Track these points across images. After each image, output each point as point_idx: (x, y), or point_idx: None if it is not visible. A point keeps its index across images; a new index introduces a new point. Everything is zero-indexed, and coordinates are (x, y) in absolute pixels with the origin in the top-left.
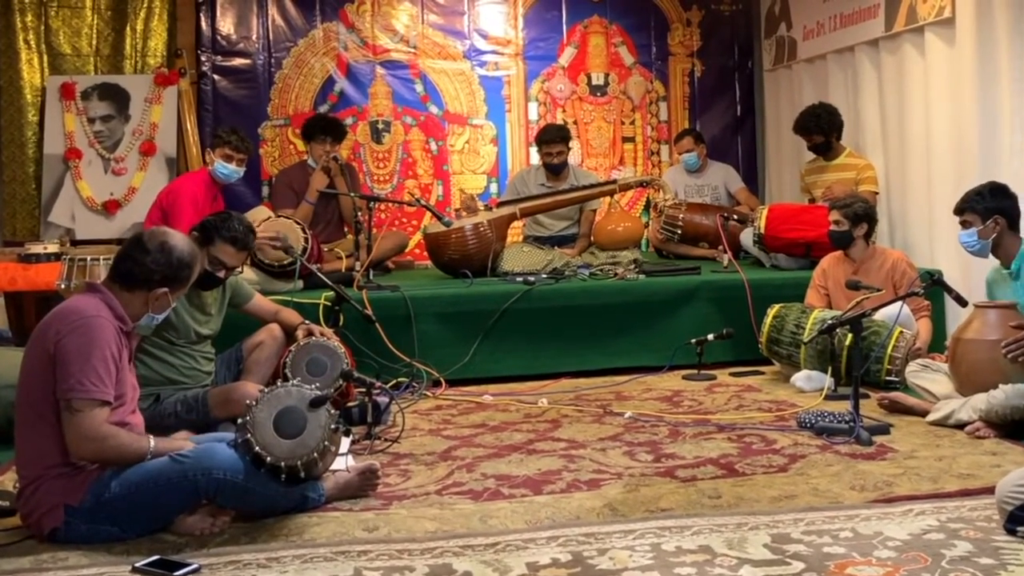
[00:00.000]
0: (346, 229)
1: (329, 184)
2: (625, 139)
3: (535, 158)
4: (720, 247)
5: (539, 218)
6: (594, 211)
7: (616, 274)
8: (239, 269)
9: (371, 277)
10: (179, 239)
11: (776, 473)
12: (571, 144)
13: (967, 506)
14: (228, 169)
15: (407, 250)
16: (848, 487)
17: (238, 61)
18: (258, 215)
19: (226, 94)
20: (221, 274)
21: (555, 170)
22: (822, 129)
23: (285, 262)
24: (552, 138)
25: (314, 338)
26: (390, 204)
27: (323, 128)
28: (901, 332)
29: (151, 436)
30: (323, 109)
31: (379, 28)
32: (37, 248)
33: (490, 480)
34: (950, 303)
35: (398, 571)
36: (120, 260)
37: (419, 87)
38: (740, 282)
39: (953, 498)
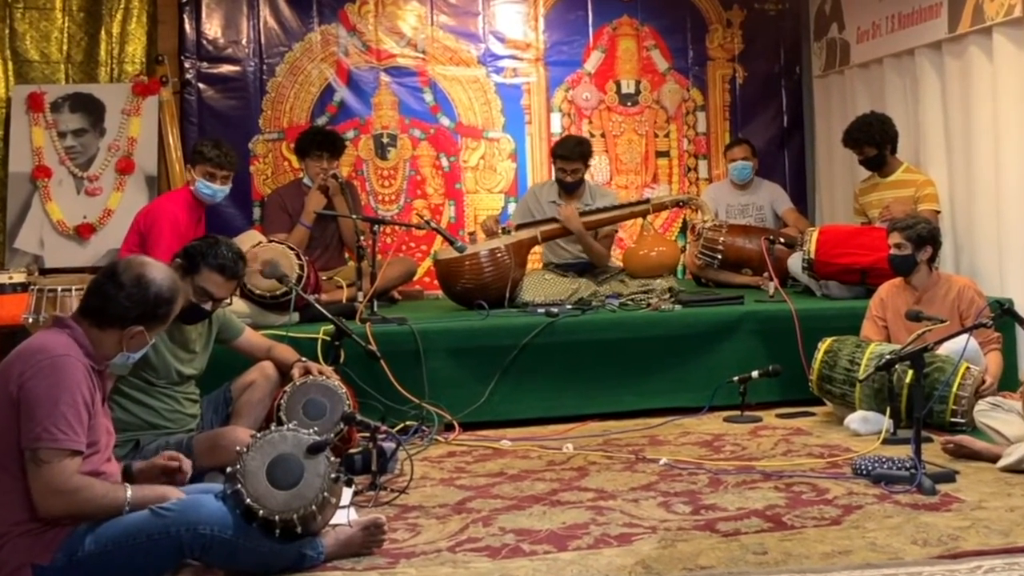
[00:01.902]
0: (347, 255)
1: (327, 205)
2: (659, 153)
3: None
4: (765, 274)
5: (559, 242)
6: (613, 234)
7: (649, 304)
8: (228, 301)
9: (375, 309)
10: (158, 271)
11: (829, 526)
12: (591, 162)
13: None
14: (211, 188)
15: (415, 278)
16: (909, 541)
17: (226, 68)
18: (248, 240)
19: (213, 105)
20: (208, 306)
21: (568, 188)
22: (874, 141)
23: (279, 292)
24: (569, 154)
25: (312, 377)
26: (396, 227)
27: (321, 143)
28: (968, 368)
29: (128, 485)
30: (321, 121)
31: (384, 31)
32: (1, 278)
33: (509, 535)
34: (1022, 335)
35: None
36: (91, 294)
37: (428, 96)
38: (788, 313)
39: None
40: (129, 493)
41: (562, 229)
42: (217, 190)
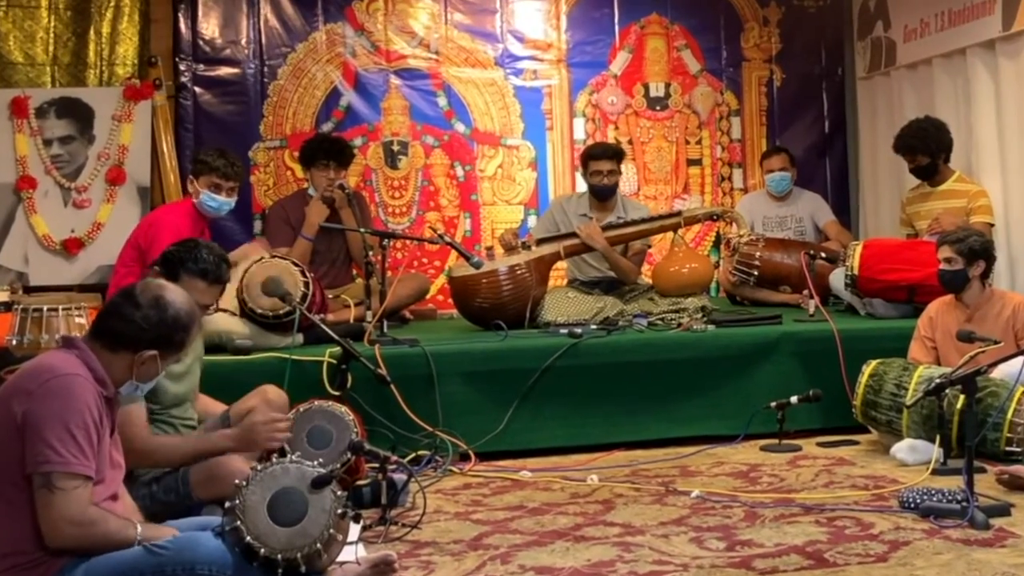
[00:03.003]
0: (355, 272)
1: (334, 218)
2: (690, 162)
3: (582, 185)
4: (805, 291)
5: (585, 257)
6: (645, 250)
7: (680, 324)
8: (213, 307)
9: (385, 329)
10: (178, 295)
11: (874, 563)
12: (623, 166)
13: None
14: (217, 201)
15: (428, 297)
16: None
17: (224, 70)
18: (249, 254)
19: (210, 110)
20: None
21: (602, 194)
22: (928, 148)
23: (281, 312)
24: (600, 153)
25: (317, 403)
26: (408, 241)
27: (327, 151)
28: None
29: (138, 523)
30: (327, 128)
31: (394, 30)
32: None
33: (529, 573)
34: None
35: None
36: (105, 315)
37: (442, 100)
38: (829, 333)
39: None
40: (140, 530)
41: (585, 245)
42: (223, 203)
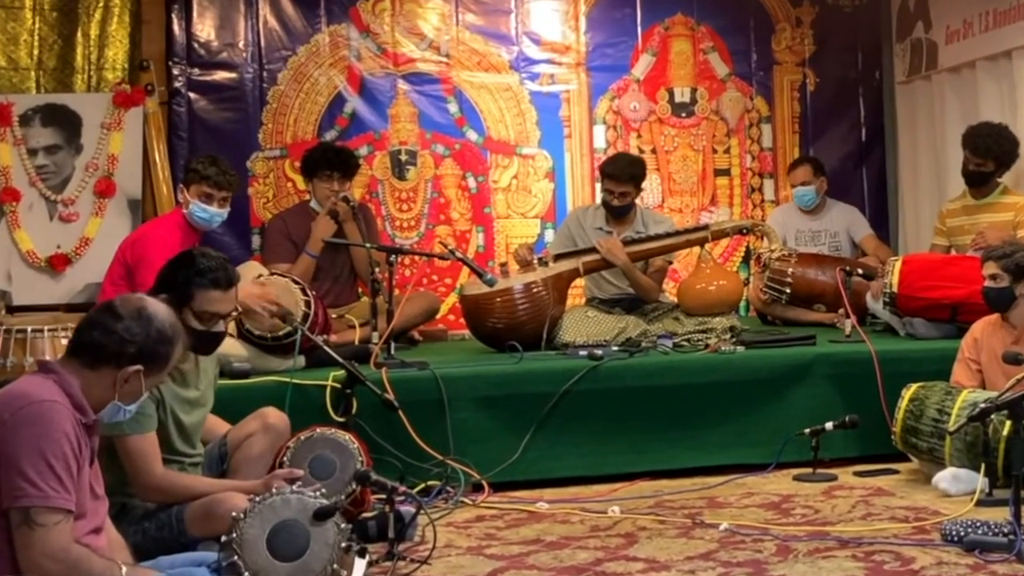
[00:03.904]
0: (360, 290)
1: (337, 232)
2: (718, 172)
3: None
4: (841, 310)
5: (605, 274)
6: (666, 266)
7: (707, 346)
8: (237, 309)
9: (392, 351)
10: (160, 308)
11: None
12: (644, 185)
13: None
14: (207, 212)
15: (439, 316)
16: None
17: (221, 75)
18: (247, 272)
19: (205, 117)
20: (220, 327)
21: (617, 213)
22: (998, 156)
23: (282, 333)
24: (618, 173)
25: (319, 430)
26: (416, 257)
27: (331, 160)
28: None
29: (124, 564)
30: (330, 136)
31: (401, 32)
32: None
33: None
34: None
35: None
36: (83, 329)
37: (453, 107)
38: (867, 355)
39: None
40: (124, 572)
41: (606, 260)
42: (214, 214)
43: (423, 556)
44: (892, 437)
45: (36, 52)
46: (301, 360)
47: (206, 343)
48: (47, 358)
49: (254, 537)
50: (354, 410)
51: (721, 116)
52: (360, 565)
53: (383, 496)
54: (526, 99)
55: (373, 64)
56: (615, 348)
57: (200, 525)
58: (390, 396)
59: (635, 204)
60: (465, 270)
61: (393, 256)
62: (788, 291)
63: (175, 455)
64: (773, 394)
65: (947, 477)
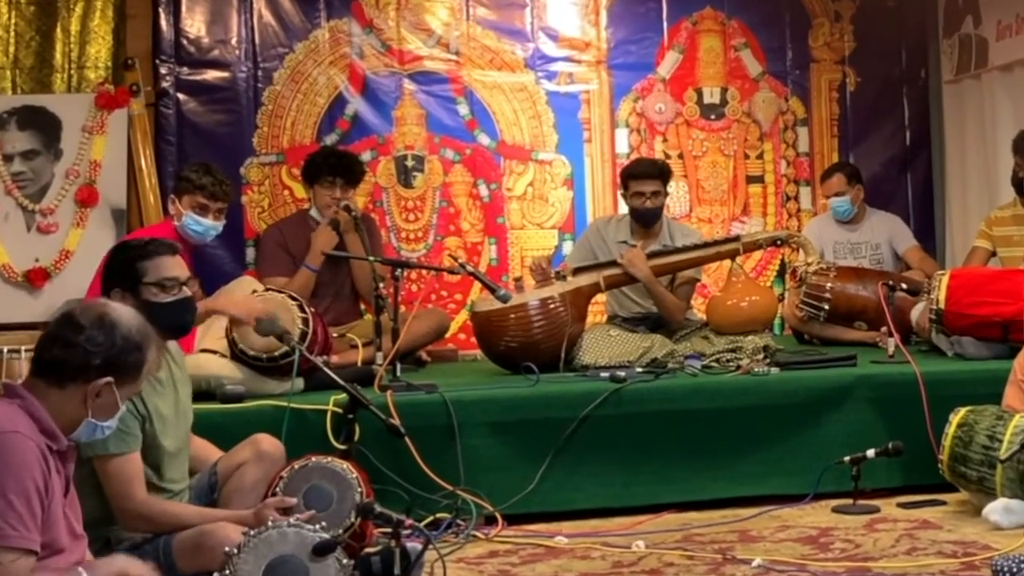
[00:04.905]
0: (363, 307)
1: (338, 244)
2: (751, 179)
3: (623, 206)
4: (884, 328)
5: (626, 290)
6: (693, 281)
7: (739, 367)
8: (188, 275)
9: (398, 373)
10: (124, 312)
11: None
12: (670, 186)
13: None
14: (203, 225)
15: (448, 335)
16: None
17: (212, 74)
18: (241, 288)
19: (196, 120)
20: (184, 292)
21: (645, 219)
22: None
23: (278, 353)
24: (643, 171)
25: (315, 459)
26: (424, 271)
27: (334, 166)
28: None
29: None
30: (330, 140)
31: (407, 27)
32: None
33: None
34: None
35: None
36: (43, 346)
37: (463, 108)
38: (912, 377)
39: None
40: (82, 573)
41: (628, 274)
42: (209, 227)
43: None
44: (939, 466)
45: (12, 49)
46: (299, 383)
47: (179, 314)
48: (15, 381)
49: (248, 574)
50: (357, 437)
51: (754, 118)
52: None
53: (388, 530)
54: (542, 100)
55: (377, 62)
56: (639, 370)
57: (189, 559)
58: (396, 422)
59: (663, 214)
60: (477, 285)
61: (399, 270)
62: (826, 308)
63: (163, 480)
64: (810, 419)
65: (998, 509)
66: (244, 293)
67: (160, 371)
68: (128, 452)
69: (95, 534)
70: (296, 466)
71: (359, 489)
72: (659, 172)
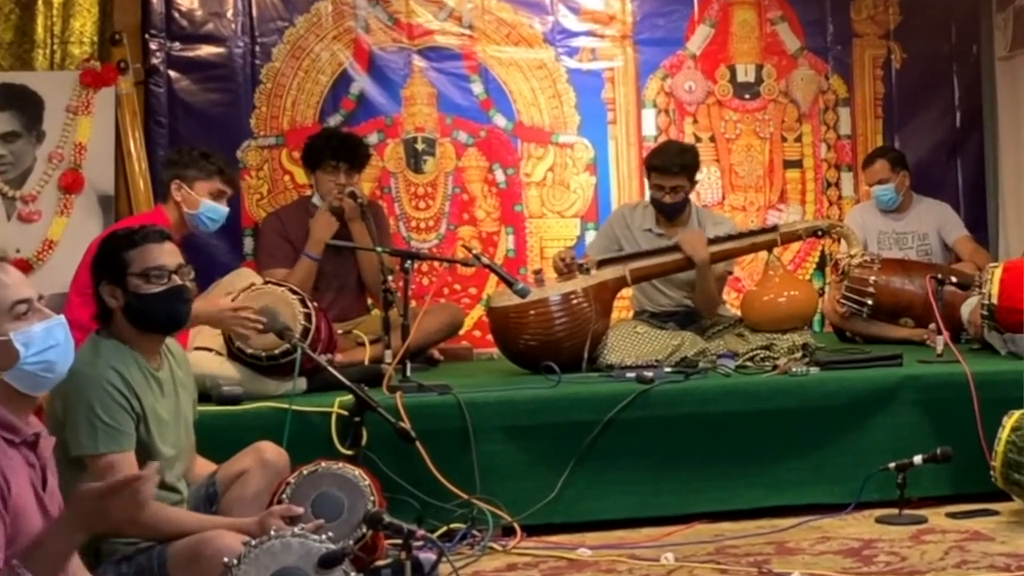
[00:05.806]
0: (370, 301)
1: (344, 235)
2: (788, 163)
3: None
4: (932, 325)
5: (657, 283)
6: (725, 275)
7: (776, 367)
8: (182, 264)
9: (409, 373)
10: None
11: None
12: (698, 177)
13: None
14: (220, 213)
15: (462, 332)
16: None
17: (206, 50)
18: (239, 281)
19: (188, 99)
20: (175, 281)
21: (668, 212)
22: None
23: (278, 352)
24: (667, 165)
25: (324, 464)
26: (436, 263)
27: (337, 149)
28: None
29: None
30: (334, 121)
31: None
32: None
33: None
34: None
35: None
36: None
37: (477, 87)
38: (962, 377)
39: None
40: None
41: (670, 265)
42: (224, 214)
43: None
44: (991, 473)
45: None
46: (302, 383)
47: (168, 305)
48: None
49: None
50: (364, 441)
51: (791, 98)
52: None
53: (399, 541)
54: (563, 78)
55: (384, 37)
56: (668, 369)
57: (185, 569)
58: (406, 425)
59: (690, 201)
60: (493, 278)
61: (409, 262)
62: (870, 303)
63: (160, 488)
64: (852, 423)
65: None
66: (242, 286)
67: (160, 371)
68: (120, 451)
69: (84, 545)
70: (304, 472)
71: (371, 497)
72: (682, 168)
